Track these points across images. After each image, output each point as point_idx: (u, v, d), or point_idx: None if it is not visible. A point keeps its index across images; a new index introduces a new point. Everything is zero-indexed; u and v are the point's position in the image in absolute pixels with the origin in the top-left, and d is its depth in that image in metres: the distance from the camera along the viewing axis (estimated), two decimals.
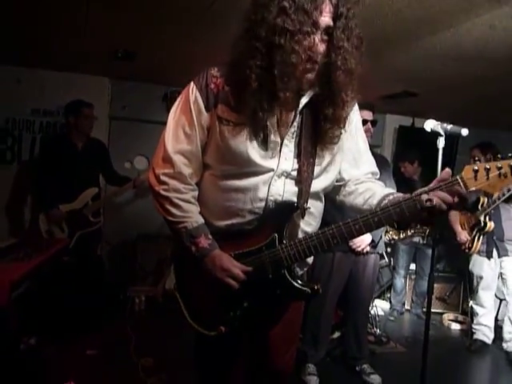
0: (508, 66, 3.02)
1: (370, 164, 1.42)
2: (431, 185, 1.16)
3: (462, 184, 1.13)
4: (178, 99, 1.29)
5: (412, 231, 4.10)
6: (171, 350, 2.90)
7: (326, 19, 1.10)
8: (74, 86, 4.11)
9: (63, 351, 2.71)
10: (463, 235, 3.56)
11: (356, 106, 1.37)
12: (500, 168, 1.11)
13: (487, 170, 1.12)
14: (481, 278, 3.58)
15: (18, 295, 1.96)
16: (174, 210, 1.26)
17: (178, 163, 1.26)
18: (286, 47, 1.07)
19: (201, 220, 1.28)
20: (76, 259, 3.00)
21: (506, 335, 3.52)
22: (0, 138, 4.09)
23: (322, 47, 1.12)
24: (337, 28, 1.11)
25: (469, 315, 3.90)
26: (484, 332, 3.62)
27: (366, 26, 2.37)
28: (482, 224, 3.44)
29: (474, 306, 3.70)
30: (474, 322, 3.70)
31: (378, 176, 1.43)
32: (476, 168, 1.13)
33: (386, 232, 4.20)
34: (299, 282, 1.26)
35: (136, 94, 4.37)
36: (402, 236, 4.16)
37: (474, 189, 1.14)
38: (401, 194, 1.22)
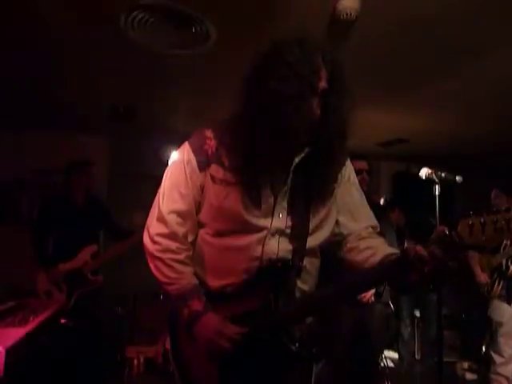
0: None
1: (368, 217, 1.39)
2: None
3: (457, 239, 1.11)
4: (173, 160, 1.32)
5: None
6: None
7: (322, 83, 1.14)
8: (74, 146, 4.22)
9: None
10: (483, 277, 3.41)
11: (348, 161, 1.39)
12: (496, 222, 1.09)
13: (483, 225, 1.10)
14: (500, 324, 3.39)
15: (13, 362, 1.87)
16: (166, 271, 1.24)
17: (171, 223, 1.25)
18: (284, 112, 1.10)
19: (194, 281, 1.26)
20: (74, 321, 2.90)
21: None
22: None
23: (318, 110, 1.16)
24: (333, 91, 1.15)
25: (487, 363, 3.65)
26: (501, 382, 3.40)
27: (358, 77, 2.46)
28: (504, 267, 3.30)
29: (493, 354, 3.48)
30: (491, 370, 3.47)
31: (378, 229, 1.40)
32: (471, 222, 1.11)
33: None
34: (298, 346, 1.20)
35: (135, 150, 4.46)
36: None
37: (469, 244, 1.12)
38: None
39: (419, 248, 1.08)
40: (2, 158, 4.07)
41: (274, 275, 1.22)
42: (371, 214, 1.42)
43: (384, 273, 1.18)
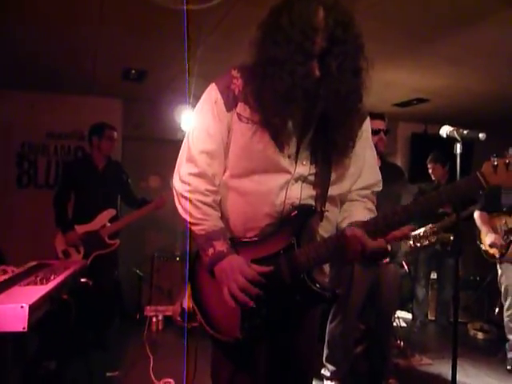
0: None
1: (368, 177, 1.40)
2: None
3: (482, 179, 1.14)
4: (200, 101, 1.32)
5: (434, 238, 3.98)
6: (191, 370, 2.85)
7: (318, 45, 1.12)
8: (88, 108, 4.20)
9: (83, 374, 2.69)
10: (497, 239, 3.22)
11: (368, 118, 1.38)
12: None
13: (507, 165, 1.13)
14: (511, 289, 3.24)
15: (36, 319, 1.94)
16: (194, 212, 1.27)
17: (201, 163, 1.27)
18: (279, 76, 1.12)
19: (220, 224, 1.28)
20: (93, 280, 2.99)
21: None
22: (16, 162, 4.18)
23: (316, 71, 1.15)
24: (331, 54, 1.13)
25: (505, 330, 3.43)
26: None
27: (375, 38, 2.36)
28: None
29: (511, 323, 3.30)
30: (511, 340, 3.30)
31: (377, 188, 1.41)
32: (496, 163, 1.14)
33: (407, 240, 4.11)
34: (319, 286, 1.24)
35: (148, 114, 4.43)
36: (424, 243, 4.04)
37: (495, 184, 1.15)
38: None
39: (357, 230, 1.17)
40: (16, 122, 4.08)
41: (296, 220, 1.25)
42: (374, 174, 1.42)
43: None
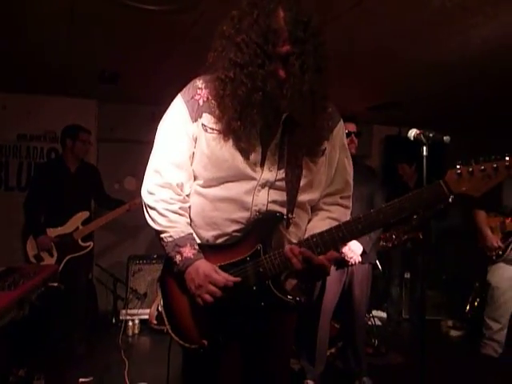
0: (483, 74, 3.08)
1: (337, 182, 1.40)
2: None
3: (445, 188, 1.14)
4: (166, 112, 1.35)
5: (405, 237, 4.07)
6: (166, 374, 2.83)
7: (280, 49, 1.13)
8: (61, 109, 4.12)
9: (55, 381, 2.63)
10: (495, 240, 3.24)
11: (341, 122, 1.38)
12: (483, 170, 1.11)
13: (470, 173, 1.12)
14: (499, 289, 3.29)
15: (3, 325, 1.90)
16: (160, 220, 1.28)
17: (166, 173, 1.29)
18: (242, 80, 1.14)
19: (188, 230, 1.29)
20: (65, 285, 2.94)
21: None
22: None
23: (281, 72, 1.15)
24: (293, 54, 1.14)
25: (474, 330, 3.62)
26: (494, 347, 3.34)
27: (346, 42, 2.41)
28: None
29: (488, 320, 3.37)
30: (486, 336, 3.37)
31: (345, 193, 1.41)
32: (459, 171, 1.12)
33: (380, 240, 4.18)
34: (283, 292, 1.25)
35: (123, 115, 4.38)
36: (395, 243, 4.12)
37: (458, 192, 1.13)
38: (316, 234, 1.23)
39: (294, 246, 1.20)
40: None
41: (262, 226, 1.26)
42: (344, 179, 1.41)
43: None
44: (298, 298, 1.24)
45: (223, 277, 1.23)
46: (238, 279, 1.23)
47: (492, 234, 3.30)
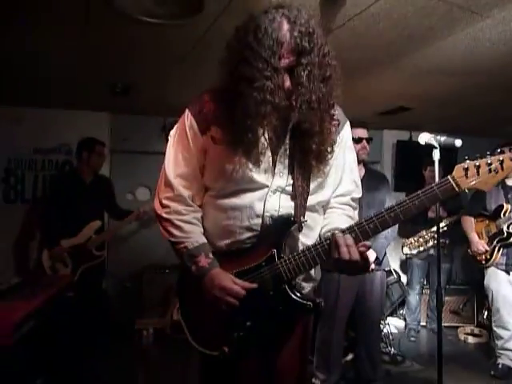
0: (493, 77, 3.05)
1: (347, 183, 1.42)
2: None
3: (453, 183, 1.16)
4: (175, 127, 1.38)
5: (430, 243, 4.01)
6: (182, 383, 2.84)
7: (286, 61, 1.16)
8: (75, 122, 4.21)
9: None
10: (481, 245, 3.21)
11: (347, 125, 1.40)
12: (490, 164, 1.14)
13: (477, 168, 1.15)
14: (499, 294, 3.18)
15: (22, 335, 1.93)
16: (175, 231, 1.31)
17: (177, 186, 1.32)
18: (250, 92, 1.15)
19: (202, 240, 1.32)
20: (81, 294, 2.98)
21: None
22: (3, 177, 4.15)
23: (287, 83, 1.18)
24: (299, 65, 1.16)
25: (491, 337, 3.46)
26: (509, 356, 3.18)
27: (355, 50, 2.42)
28: (505, 234, 3.07)
29: (497, 329, 3.23)
30: (499, 346, 3.23)
31: (355, 194, 1.43)
32: (466, 166, 1.15)
33: (403, 246, 4.13)
34: (300, 296, 1.26)
35: (135, 127, 4.45)
36: (420, 249, 4.06)
37: (466, 187, 1.16)
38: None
39: (340, 235, 1.19)
40: (2, 137, 4.07)
41: (276, 231, 1.27)
42: (353, 180, 1.44)
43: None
44: (317, 300, 1.25)
45: (240, 286, 1.25)
46: (254, 285, 1.25)
47: (478, 239, 3.26)
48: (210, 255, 1.29)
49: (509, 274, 3.14)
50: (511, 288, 3.15)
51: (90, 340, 3.22)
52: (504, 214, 3.09)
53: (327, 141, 1.28)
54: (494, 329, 3.28)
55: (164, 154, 1.38)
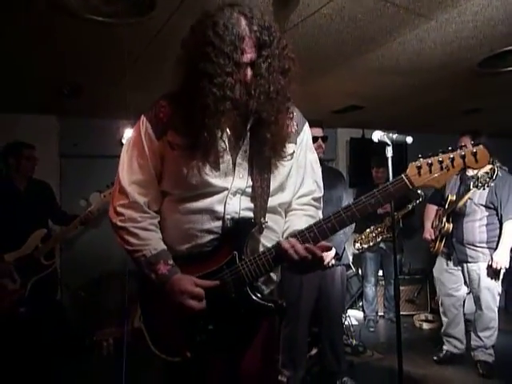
0: (438, 76, 3.22)
1: (307, 184, 1.43)
2: None
3: (407, 181, 1.20)
4: (131, 133, 1.35)
5: (380, 238, 4.17)
6: None
7: (248, 56, 1.17)
8: (20, 127, 3.96)
9: None
10: (428, 234, 3.32)
11: (306, 126, 1.41)
12: (441, 162, 1.19)
13: (430, 166, 1.19)
14: (439, 282, 3.32)
15: None
16: (131, 239, 1.27)
17: (132, 193, 1.29)
18: (211, 89, 1.14)
19: (161, 246, 1.29)
20: (33, 309, 2.81)
21: (473, 342, 3.20)
22: None
23: (247, 78, 1.19)
24: (259, 58, 1.18)
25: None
26: (453, 343, 3.31)
27: (309, 48, 2.45)
28: (443, 224, 3.16)
29: (441, 316, 3.39)
30: (442, 332, 3.38)
31: (316, 194, 1.44)
32: (419, 164, 1.19)
33: (355, 242, 4.27)
34: (262, 297, 1.26)
35: (86, 130, 4.27)
36: (370, 244, 4.21)
37: (419, 185, 1.20)
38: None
39: (292, 240, 1.20)
40: None
41: (237, 234, 1.27)
42: (314, 180, 1.45)
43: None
44: (279, 302, 1.25)
45: (201, 286, 1.23)
46: (216, 282, 1.24)
47: (429, 228, 3.34)
48: (170, 261, 1.26)
49: (447, 263, 3.23)
50: (449, 276, 3.24)
51: (46, 356, 3.06)
52: (449, 204, 3.16)
53: (282, 132, 1.28)
54: (441, 315, 3.42)
55: (118, 157, 1.34)
